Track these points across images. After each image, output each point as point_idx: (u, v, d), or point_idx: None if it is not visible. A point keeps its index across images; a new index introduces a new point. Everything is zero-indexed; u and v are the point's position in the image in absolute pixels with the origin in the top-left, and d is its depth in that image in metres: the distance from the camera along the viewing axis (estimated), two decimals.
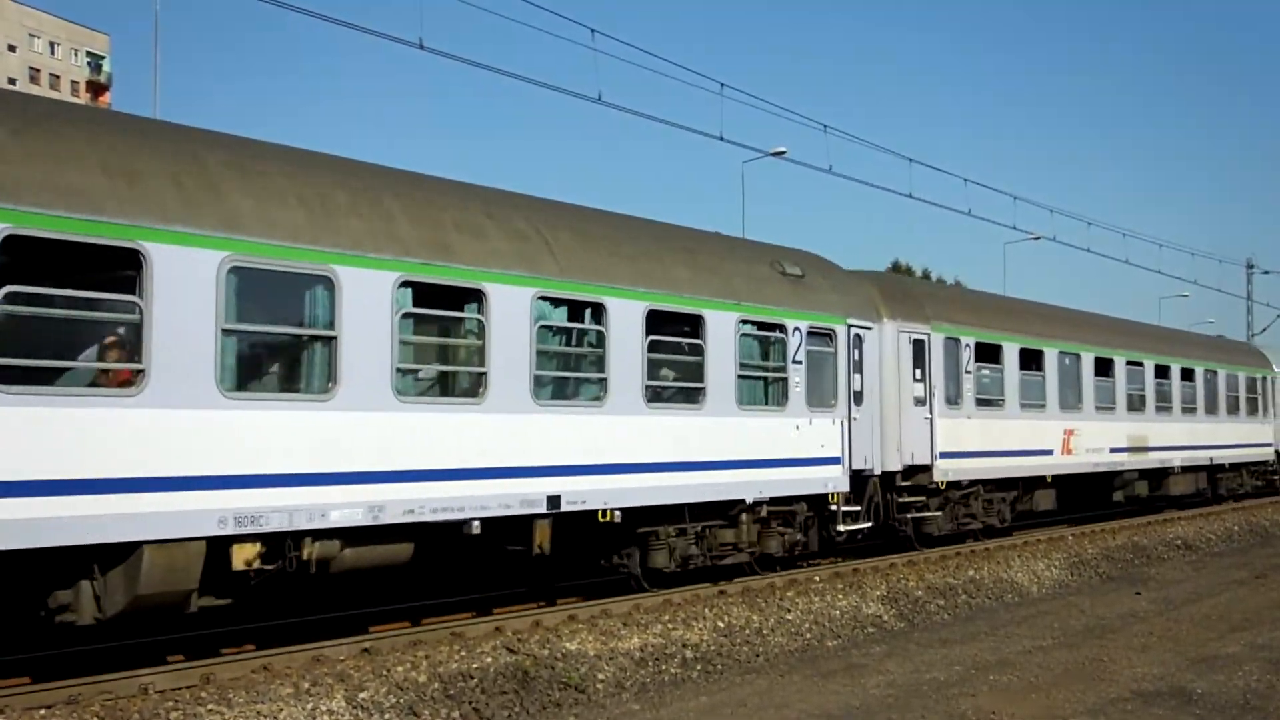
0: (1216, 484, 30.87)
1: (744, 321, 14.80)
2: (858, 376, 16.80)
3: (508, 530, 12.27)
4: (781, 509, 15.57)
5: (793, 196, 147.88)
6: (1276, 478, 34.89)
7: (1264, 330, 52.37)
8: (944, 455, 18.71)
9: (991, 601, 16.16)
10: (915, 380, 18.32)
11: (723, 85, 19.30)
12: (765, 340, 15.37)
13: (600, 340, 12.88)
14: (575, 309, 12.93)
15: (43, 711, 8.61)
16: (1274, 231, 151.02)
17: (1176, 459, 27.23)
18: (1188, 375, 28.40)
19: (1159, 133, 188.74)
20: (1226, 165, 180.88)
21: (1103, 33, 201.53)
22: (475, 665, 10.35)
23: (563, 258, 12.61)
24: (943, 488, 18.89)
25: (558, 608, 13.60)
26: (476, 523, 11.43)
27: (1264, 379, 33.52)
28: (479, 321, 11.60)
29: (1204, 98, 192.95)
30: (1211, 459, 29.26)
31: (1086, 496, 25.08)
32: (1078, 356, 23.24)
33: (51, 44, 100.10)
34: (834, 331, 16.38)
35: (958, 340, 19.45)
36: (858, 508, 17.01)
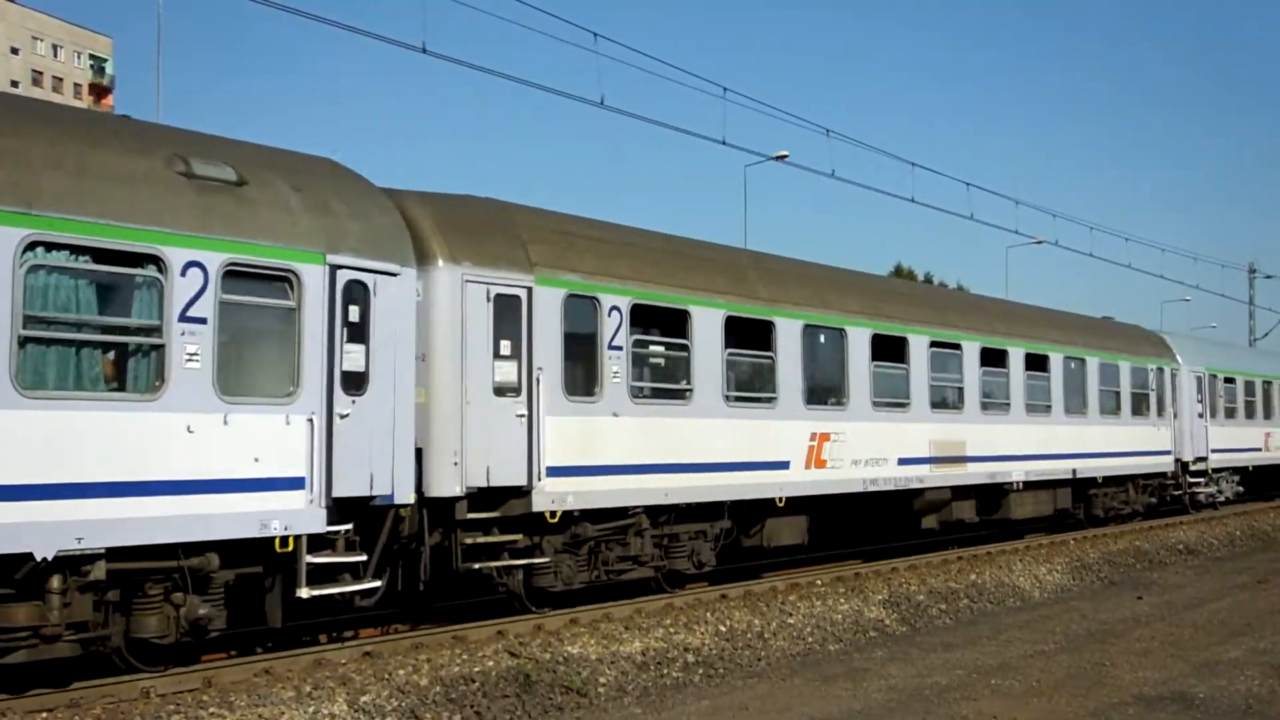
0: (1091, 503, 24.34)
1: (41, 245, 8.75)
2: (357, 349, 10.77)
3: None
4: (167, 565, 9.57)
5: (795, 200, 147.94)
6: (1180, 493, 28.02)
7: (1266, 335, 52.35)
8: (557, 472, 12.57)
9: (993, 606, 16.16)
10: (500, 358, 12.23)
11: (725, 89, 19.36)
12: (108, 282, 9.33)
13: None
14: None
15: (44, 715, 8.64)
16: (1276, 235, 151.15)
17: (1016, 471, 20.64)
18: (1037, 363, 21.81)
19: (1161, 137, 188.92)
20: (1229, 169, 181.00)
21: (1105, 37, 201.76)
22: (477, 669, 10.37)
23: None
24: (552, 520, 12.59)
25: (559, 611, 13.60)
26: None
27: (1160, 371, 26.47)
28: None
29: (1206, 101, 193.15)
30: (1075, 471, 22.65)
31: (879, 524, 19.13)
32: (840, 333, 16.90)
33: (54, 47, 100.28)
34: (294, 274, 10.25)
35: (594, 300, 13.23)
36: (360, 557, 10.78)
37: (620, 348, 13.52)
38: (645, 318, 14.20)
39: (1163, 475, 26.76)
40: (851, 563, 19.06)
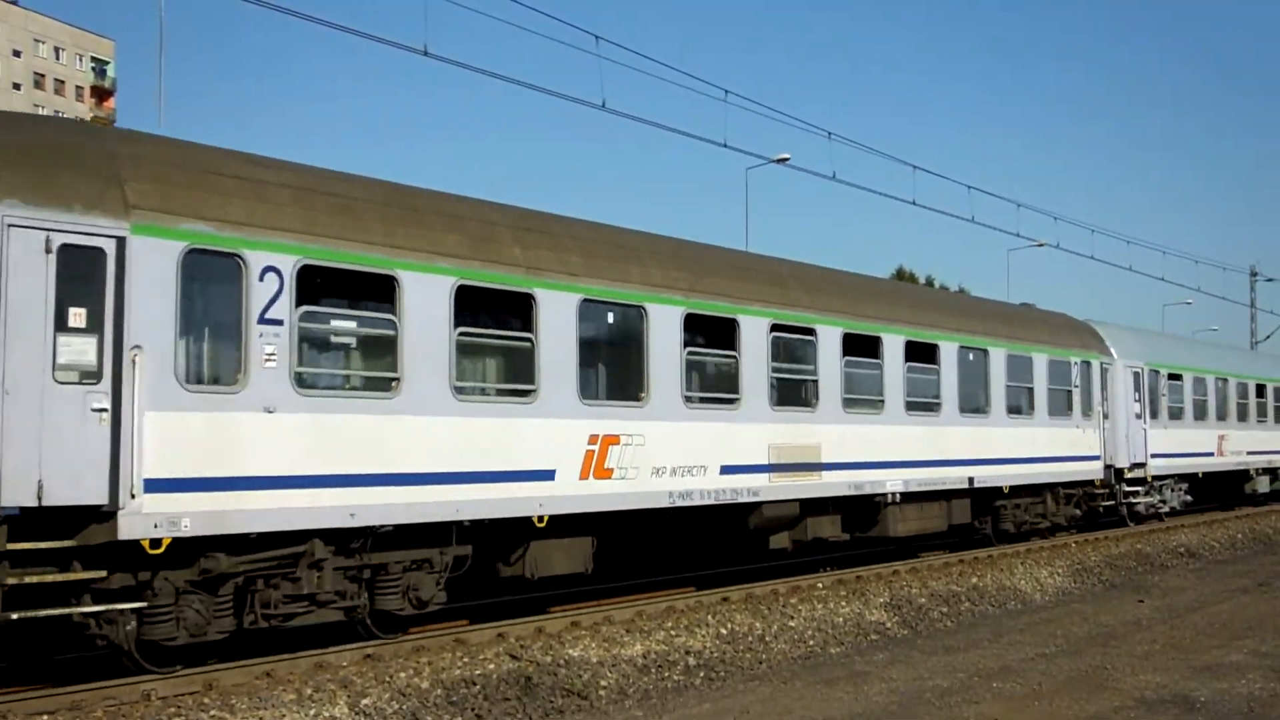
0: (999, 516, 21.00)
1: None
2: None
3: None
4: None
5: (796, 203, 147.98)
6: (1114, 504, 24.70)
7: (1267, 338, 52.35)
8: (165, 486, 9.41)
9: (995, 609, 16.15)
10: (68, 331, 9.11)
11: (727, 92, 19.37)
12: None
13: None
14: None
15: (45, 717, 8.67)
16: (1278, 239, 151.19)
17: (892, 481, 17.39)
18: (922, 354, 18.33)
19: (1162, 140, 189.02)
20: (1231, 172, 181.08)
21: (1107, 39, 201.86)
22: (478, 672, 10.38)
23: None
24: (155, 550, 9.41)
25: (561, 614, 13.59)
26: None
27: (1086, 365, 22.94)
28: None
29: (1208, 104, 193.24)
30: (972, 480, 19.22)
31: (710, 544, 16.29)
32: (639, 312, 13.59)
33: (56, 49, 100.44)
34: None
35: (236, 258, 9.97)
36: None
37: (280, 322, 10.22)
38: (325, 284, 10.93)
39: (1090, 484, 23.31)
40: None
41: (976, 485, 19.43)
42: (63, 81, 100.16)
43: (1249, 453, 30.83)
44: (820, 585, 16.12)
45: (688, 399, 14.18)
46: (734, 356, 14.86)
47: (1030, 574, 18.34)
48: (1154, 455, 25.40)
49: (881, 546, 19.78)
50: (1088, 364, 23.05)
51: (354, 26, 29.19)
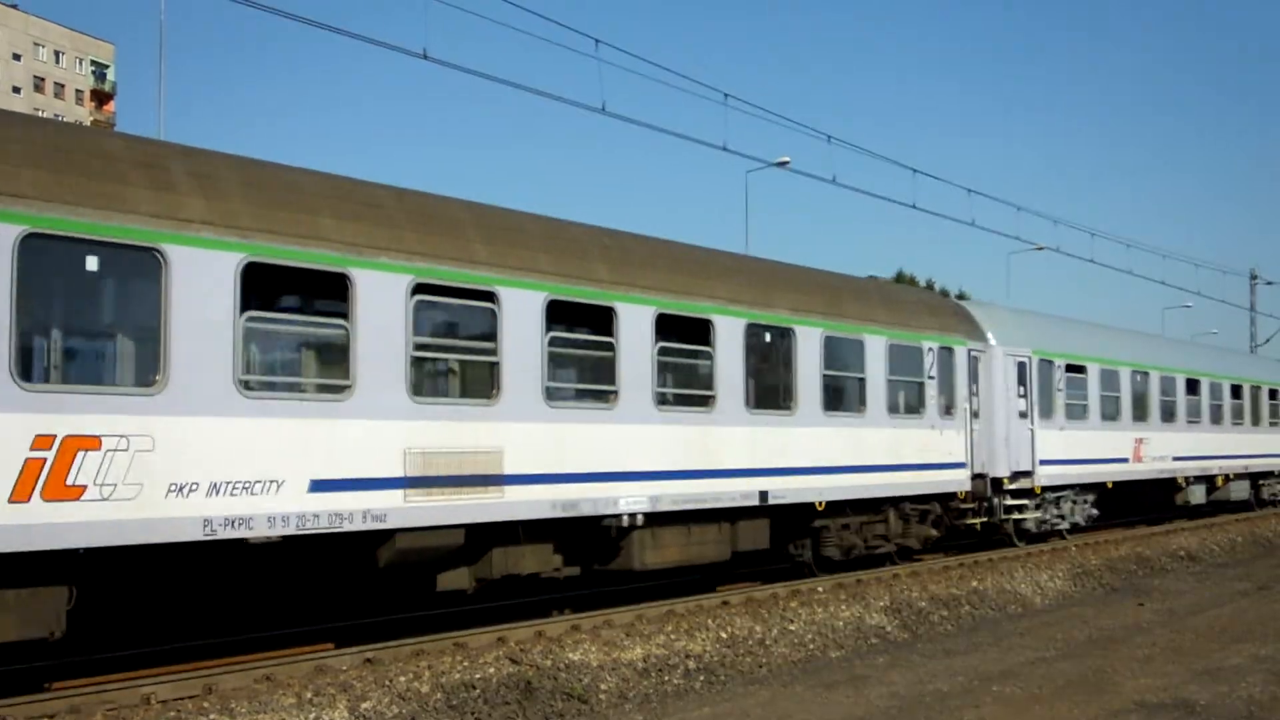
0: (820, 540, 16.80)
1: None
2: None
3: None
4: None
5: (796, 207, 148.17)
6: (988, 521, 20.32)
7: (1267, 341, 52.33)
8: None
9: (995, 612, 16.14)
10: None
11: (727, 95, 19.29)
12: None
13: None
14: None
15: None
16: (1277, 242, 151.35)
17: (630, 498, 13.06)
18: (686, 331, 14.20)
19: (1162, 143, 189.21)
20: (1230, 176, 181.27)
21: (1107, 42, 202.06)
22: (478, 676, 10.37)
23: None
24: None
25: (561, 618, 13.58)
26: None
27: (947, 352, 18.73)
28: None
29: (1208, 108, 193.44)
30: (766, 495, 14.90)
31: (325, 586, 12.26)
32: (154, 257, 9.29)
33: (56, 53, 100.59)
34: None
35: None
36: None
37: None
38: None
39: (953, 497, 18.92)
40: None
41: (772, 501, 15.12)
42: (63, 85, 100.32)
43: (1176, 458, 26.32)
44: (820, 589, 16.12)
45: (246, 385, 9.89)
46: (344, 327, 10.64)
47: (1030, 578, 18.34)
48: (1044, 462, 21.17)
49: (631, 584, 15.49)
50: (948, 350, 18.76)
51: (354, 30, 29.21)
